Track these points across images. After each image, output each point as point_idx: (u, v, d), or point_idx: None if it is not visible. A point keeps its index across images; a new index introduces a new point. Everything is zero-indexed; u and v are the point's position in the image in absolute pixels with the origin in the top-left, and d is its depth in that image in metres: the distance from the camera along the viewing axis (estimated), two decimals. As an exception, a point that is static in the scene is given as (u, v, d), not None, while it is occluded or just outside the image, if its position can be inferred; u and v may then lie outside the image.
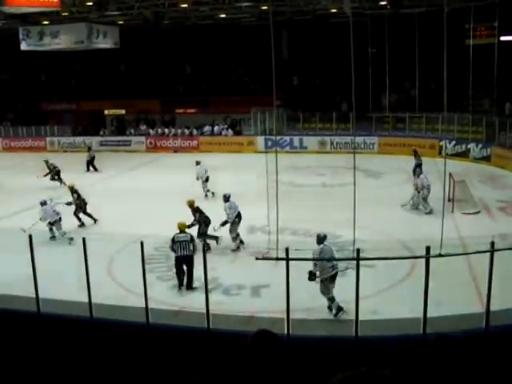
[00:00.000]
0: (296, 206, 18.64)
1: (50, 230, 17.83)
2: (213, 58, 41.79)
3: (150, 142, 38.71)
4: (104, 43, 33.49)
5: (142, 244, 9.94)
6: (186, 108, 41.00)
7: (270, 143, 33.12)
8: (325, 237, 12.15)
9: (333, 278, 11.41)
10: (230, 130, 38.47)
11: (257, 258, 11.20)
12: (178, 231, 13.98)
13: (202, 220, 16.64)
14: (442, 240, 9.72)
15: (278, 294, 12.47)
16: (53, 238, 17.85)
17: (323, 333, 10.36)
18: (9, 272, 13.07)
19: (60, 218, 17.96)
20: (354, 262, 9.89)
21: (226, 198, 17.03)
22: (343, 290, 11.44)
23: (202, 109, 40.32)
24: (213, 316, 9.92)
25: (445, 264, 10.53)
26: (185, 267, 13.73)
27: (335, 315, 11.84)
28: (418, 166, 24.37)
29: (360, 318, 9.50)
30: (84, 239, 10.04)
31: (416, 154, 25.31)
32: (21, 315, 10.67)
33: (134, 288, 12.88)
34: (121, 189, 25.56)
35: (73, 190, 19.90)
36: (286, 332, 9.47)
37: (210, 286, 10.42)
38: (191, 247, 13.72)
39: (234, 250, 16.63)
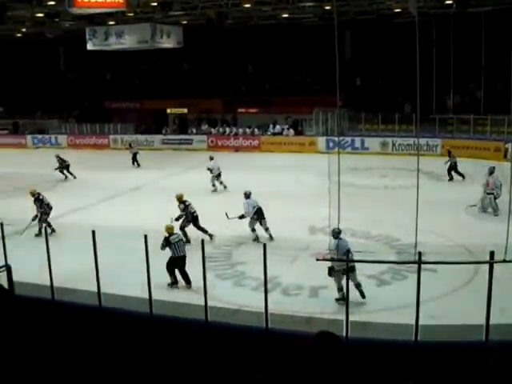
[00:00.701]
0: (356, 208, 18.47)
1: None
2: (275, 57, 41.82)
3: (212, 141, 38.97)
4: (168, 43, 33.89)
5: (202, 242, 9.99)
6: (247, 108, 41.11)
7: (331, 144, 32.90)
8: (340, 232, 12.41)
9: (346, 271, 11.28)
10: (291, 130, 38.37)
11: (317, 259, 11.17)
12: (167, 234, 13.90)
13: (189, 213, 17.33)
14: (506, 245, 9.48)
15: (336, 295, 12.47)
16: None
17: (383, 336, 10.24)
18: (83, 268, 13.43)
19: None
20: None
21: (247, 196, 17.65)
22: (404, 293, 11.28)
23: (263, 108, 40.33)
24: (271, 315, 9.90)
25: (509, 270, 10.25)
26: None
27: (336, 299, 12.46)
28: (454, 165, 24.97)
29: (420, 323, 9.33)
30: (146, 236, 10.17)
31: (450, 154, 25.63)
32: (82, 308, 10.91)
33: (193, 285, 13.05)
34: (182, 187, 25.74)
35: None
36: (344, 334, 9.38)
37: (268, 286, 10.40)
38: (184, 247, 13.95)
39: (254, 240, 17.02)
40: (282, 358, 7.35)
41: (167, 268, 13.78)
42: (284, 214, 17.87)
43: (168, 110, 43.10)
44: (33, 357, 3.99)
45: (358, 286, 12.24)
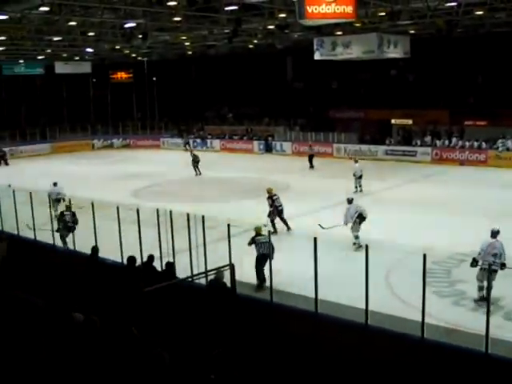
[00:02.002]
0: None
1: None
2: (508, 67, 39.57)
3: (436, 154, 37.83)
4: (394, 53, 33.56)
5: (424, 257, 9.70)
6: (475, 120, 39.31)
7: None
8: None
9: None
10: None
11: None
12: (255, 234, 14.80)
13: (275, 206, 20.09)
14: None
15: None
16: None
17: None
18: (292, 270, 13.79)
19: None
20: None
21: (349, 201, 18.73)
22: None
23: (492, 121, 38.33)
24: (492, 339, 9.34)
25: None
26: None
27: (475, 300, 13.14)
28: None
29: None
30: (367, 246, 10.16)
31: None
32: (299, 313, 11.16)
33: (410, 300, 12.73)
34: (405, 198, 25.45)
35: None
36: None
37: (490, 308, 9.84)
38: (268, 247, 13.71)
39: (354, 244, 17.60)
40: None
41: (255, 268, 14.33)
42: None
43: (392, 121, 42.65)
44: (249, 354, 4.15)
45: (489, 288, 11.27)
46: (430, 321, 10.68)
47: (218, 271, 11.63)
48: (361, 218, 18.00)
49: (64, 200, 21.20)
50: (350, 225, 17.99)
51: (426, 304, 9.87)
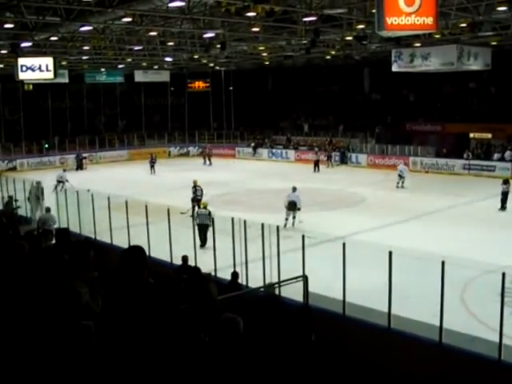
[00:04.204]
0: None
1: None
2: None
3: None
4: (475, 65, 32.89)
5: (503, 275, 9.42)
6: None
7: None
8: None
9: None
10: None
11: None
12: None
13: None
14: None
15: None
16: None
17: None
18: (365, 283, 13.64)
19: None
20: None
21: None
22: None
23: None
24: None
25: None
26: None
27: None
28: None
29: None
30: (443, 263, 9.95)
31: None
32: (372, 328, 11.02)
33: (486, 320, 12.37)
34: (483, 214, 24.83)
35: None
36: None
37: None
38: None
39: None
40: None
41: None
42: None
43: (471, 135, 41.64)
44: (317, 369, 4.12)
45: None
46: (508, 342, 10.37)
47: (269, 286, 11.68)
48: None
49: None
50: None
51: (503, 324, 9.60)
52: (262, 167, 39.84)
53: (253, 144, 50.24)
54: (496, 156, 38.30)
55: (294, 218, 22.47)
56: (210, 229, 16.80)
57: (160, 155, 46.62)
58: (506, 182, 26.37)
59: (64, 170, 33.79)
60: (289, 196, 23.02)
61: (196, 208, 22.58)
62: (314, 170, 40.52)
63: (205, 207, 20.26)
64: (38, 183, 24.33)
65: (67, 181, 31.16)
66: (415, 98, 47.60)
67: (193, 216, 20.78)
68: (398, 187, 31.85)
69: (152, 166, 41.14)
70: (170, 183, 34.64)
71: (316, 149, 44.26)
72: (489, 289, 10.51)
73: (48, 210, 19.86)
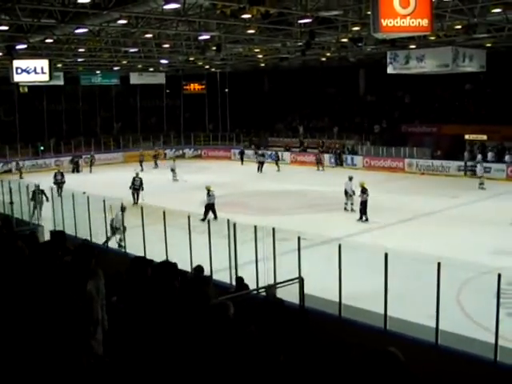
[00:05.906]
0: None
1: None
2: None
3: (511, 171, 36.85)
4: (470, 67, 32.96)
5: (499, 276, 9.43)
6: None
7: None
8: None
9: None
10: None
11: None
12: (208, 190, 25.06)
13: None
14: None
15: None
16: None
17: None
18: (360, 285, 13.64)
19: None
20: None
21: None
22: None
23: None
24: None
25: None
26: None
27: None
28: None
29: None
30: (439, 264, 9.95)
31: None
32: (368, 329, 10.99)
33: (482, 321, 12.38)
34: (478, 216, 24.86)
35: None
36: None
37: None
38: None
39: None
40: None
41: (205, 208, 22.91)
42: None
43: (466, 136, 41.70)
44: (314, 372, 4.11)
45: None
46: (504, 343, 10.37)
47: (270, 287, 11.64)
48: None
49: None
50: None
51: (499, 325, 9.60)
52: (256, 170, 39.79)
53: (241, 149, 50.07)
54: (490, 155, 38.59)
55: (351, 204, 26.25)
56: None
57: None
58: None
59: (61, 172, 33.55)
60: (346, 184, 26.74)
61: (210, 213, 24.77)
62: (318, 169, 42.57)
63: (209, 189, 25.25)
64: (38, 186, 24.49)
65: (64, 182, 31.38)
66: (411, 100, 47.68)
67: (205, 219, 21.97)
68: (346, 209, 26.88)
69: (141, 164, 42.90)
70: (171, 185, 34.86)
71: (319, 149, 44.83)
72: (485, 290, 10.49)
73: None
